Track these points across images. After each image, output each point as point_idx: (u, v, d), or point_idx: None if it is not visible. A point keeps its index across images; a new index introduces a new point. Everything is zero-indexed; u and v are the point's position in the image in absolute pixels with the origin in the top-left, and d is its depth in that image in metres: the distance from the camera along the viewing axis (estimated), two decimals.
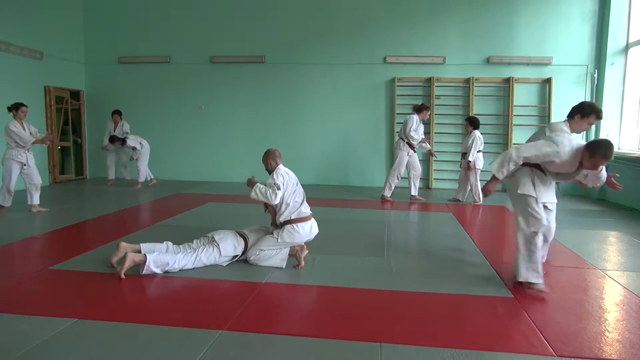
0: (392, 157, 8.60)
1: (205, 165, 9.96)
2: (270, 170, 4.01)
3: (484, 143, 7.58)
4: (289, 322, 2.95)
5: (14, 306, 3.04)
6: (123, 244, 3.75)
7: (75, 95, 10.00)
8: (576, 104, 3.73)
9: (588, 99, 8.71)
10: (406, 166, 7.62)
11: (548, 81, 8.90)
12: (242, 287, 3.48)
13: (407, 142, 7.49)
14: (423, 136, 7.65)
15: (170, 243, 3.90)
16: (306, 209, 4.01)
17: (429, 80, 9.17)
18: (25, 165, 6.17)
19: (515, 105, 8.96)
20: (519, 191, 3.40)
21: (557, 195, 3.72)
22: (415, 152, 7.63)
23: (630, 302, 3.32)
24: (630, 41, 8.33)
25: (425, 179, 9.19)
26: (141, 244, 3.77)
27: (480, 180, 7.47)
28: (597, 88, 8.72)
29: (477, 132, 7.37)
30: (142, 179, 8.75)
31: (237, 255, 3.96)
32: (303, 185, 4.13)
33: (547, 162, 3.30)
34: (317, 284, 3.61)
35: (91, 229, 5.50)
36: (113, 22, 10.02)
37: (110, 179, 9.13)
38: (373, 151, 9.52)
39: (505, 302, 3.26)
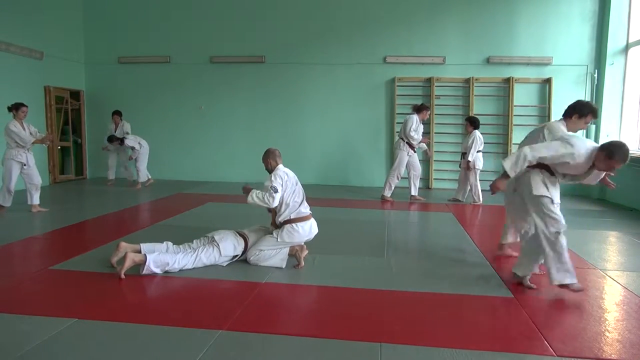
0: (392, 157, 8.60)
1: (205, 165, 9.96)
2: (270, 170, 4.01)
3: (484, 143, 7.59)
4: (289, 322, 2.95)
5: (14, 306, 3.04)
6: (123, 244, 3.75)
7: (75, 95, 10.00)
8: (571, 103, 3.74)
9: (588, 99, 8.71)
10: (406, 166, 7.62)
11: (548, 81, 8.90)
12: (242, 287, 3.48)
13: (407, 142, 7.49)
14: (422, 137, 7.66)
15: (170, 243, 3.90)
16: (305, 209, 4.01)
17: (429, 80, 9.17)
18: (25, 165, 6.17)
19: (515, 105, 8.96)
20: (534, 193, 3.35)
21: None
22: (415, 152, 7.63)
23: (630, 302, 3.32)
24: (630, 41, 8.33)
25: (425, 179, 9.20)
26: (141, 244, 3.77)
27: (480, 180, 7.48)
28: (597, 88, 8.72)
29: (477, 132, 7.37)
30: (142, 179, 8.76)
31: (237, 255, 3.96)
32: (303, 185, 4.13)
33: (561, 163, 3.26)
34: (317, 284, 3.61)
35: (91, 229, 5.50)
36: (113, 22, 10.02)
37: (110, 179, 9.13)
38: (373, 151, 9.52)
39: (505, 302, 3.26)
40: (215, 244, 3.86)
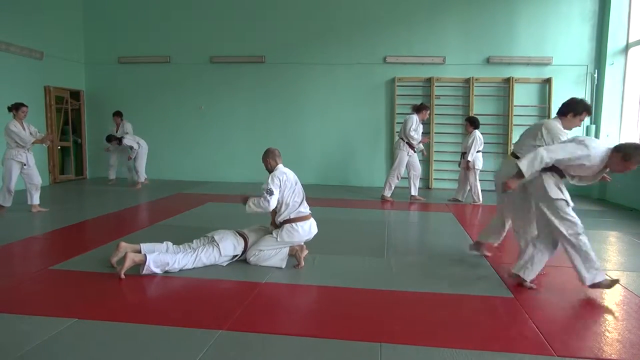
0: (392, 157, 8.60)
1: (205, 165, 9.96)
2: (270, 170, 4.01)
3: (484, 143, 7.58)
4: (289, 322, 2.94)
5: (14, 306, 3.04)
6: (123, 244, 3.75)
7: (75, 95, 10.00)
8: (565, 101, 3.75)
9: (588, 99, 8.71)
10: (406, 166, 7.62)
11: (548, 81, 8.90)
12: (242, 287, 3.48)
13: (407, 142, 7.49)
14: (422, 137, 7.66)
15: (170, 243, 3.90)
16: (305, 209, 4.01)
17: (429, 80, 9.17)
18: (25, 165, 6.17)
19: (515, 105, 8.96)
20: (553, 196, 3.34)
21: None
22: (415, 152, 7.63)
23: (630, 302, 3.32)
24: (630, 41, 8.34)
25: (425, 179, 9.20)
26: (141, 244, 3.77)
27: (479, 180, 7.48)
28: (597, 88, 8.73)
29: (477, 132, 7.37)
30: (141, 179, 8.76)
31: (237, 255, 3.96)
32: (303, 185, 4.12)
33: (576, 165, 3.26)
34: (317, 284, 3.61)
35: (91, 229, 5.50)
36: (113, 22, 10.02)
37: (111, 179, 9.15)
38: (373, 151, 9.52)
39: (505, 302, 3.26)
40: (215, 243, 3.86)
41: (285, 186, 3.90)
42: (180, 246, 3.89)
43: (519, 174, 3.29)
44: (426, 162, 9.12)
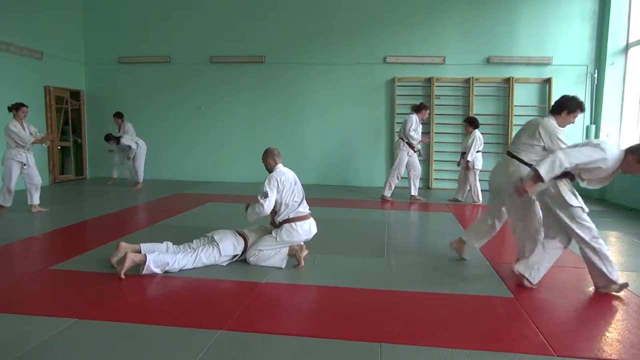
0: (392, 157, 8.60)
1: (205, 165, 9.96)
2: (270, 170, 4.01)
3: (484, 143, 7.58)
4: (289, 322, 2.94)
5: (14, 306, 3.04)
6: (123, 244, 3.75)
7: (75, 95, 10.00)
8: (557, 99, 3.76)
9: (588, 99, 8.73)
10: (406, 166, 7.63)
11: (548, 81, 8.90)
12: (242, 287, 3.48)
13: (407, 142, 7.49)
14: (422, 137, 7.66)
15: (170, 243, 3.90)
16: (304, 208, 4.01)
17: (429, 80, 9.17)
18: (25, 165, 6.17)
19: (515, 105, 8.97)
20: (572, 204, 3.36)
21: None
22: (415, 152, 7.62)
23: (630, 302, 3.32)
24: (630, 41, 8.34)
25: (425, 179, 9.20)
26: (141, 244, 3.77)
27: (479, 180, 7.47)
28: (597, 88, 8.73)
29: (477, 132, 7.37)
30: (140, 179, 8.76)
31: (237, 255, 3.96)
32: (303, 185, 4.12)
33: (592, 168, 3.27)
34: (317, 284, 3.61)
35: (91, 229, 5.50)
36: (113, 22, 10.02)
37: (114, 177, 9.21)
38: (373, 151, 9.52)
39: (505, 302, 3.26)
40: (215, 243, 3.86)
41: (284, 186, 3.89)
42: (180, 246, 3.89)
43: (536, 178, 3.27)
44: (426, 162, 9.12)
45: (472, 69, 9.11)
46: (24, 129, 6.14)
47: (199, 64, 9.79)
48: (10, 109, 6.14)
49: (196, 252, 3.78)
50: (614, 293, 3.41)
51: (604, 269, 3.37)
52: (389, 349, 2.53)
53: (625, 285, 3.41)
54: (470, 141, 7.33)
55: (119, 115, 8.94)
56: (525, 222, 3.77)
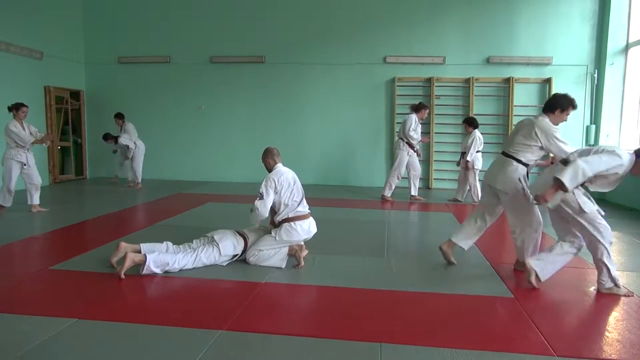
0: (392, 157, 8.60)
1: (205, 165, 9.96)
2: (270, 169, 4.01)
3: (484, 143, 7.58)
4: (289, 322, 2.94)
5: (14, 306, 3.04)
6: (123, 244, 3.75)
7: (75, 95, 10.00)
8: (549, 98, 3.78)
9: (588, 99, 8.73)
10: (406, 166, 7.63)
11: (548, 81, 8.90)
12: (242, 287, 3.48)
13: (406, 142, 7.50)
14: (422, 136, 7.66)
15: (170, 243, 3.90)
16: (304, 208, 4.01)
17: (429, 80, 9.17)
18: (25, 165, 6.17)
19: (515, 105, 8.97)
20: (587, 210, 3.36)
21: None
22: (415, 152, 7.62)
23: (630, 302, 3.32)
24: (630, 41, 8.34)
25: (425, 179, 9.20)
26: (141, 244, 3.77)
27: (479, 180, 7.47)
28: (597, 88, 8.73)
29: (477, 132, 7.37)
30: (139, 179, 8.77)
31: (237, 255, 3.96)
32: (303, 185, 4.12)
33: (610, 174, 3.28)
34: (317, 284, 3.61)
35: (91, 229, 5.50)
36: (113, 22, 10.02)
37: (116, 175, 9.29)
38: (373, 151, 9.52)
39: (505, 302, 3.26)
40: (215, 243, 3.86)
41: (282, 186, 3.89)
42: (180, 246, 3.89)
43: (558, 187, 3.24)
44: (426, 162, 9.13)
45: (472, 69, 9.11)
46: (24, 129, 6.14)
47: (199, 64, 9.79)
48: (10, 109, 6.14)
49: (196, 252, 3.78)
50: (621, 295, 3.40)
51: (612, 270, 3.39)
52: (389, 349, 2.53)
53: (630, 294, 3.43)
54: (470, 141, 7.33)
55: (119, 116, 8.94)
56: (524, 223, 3.77)
